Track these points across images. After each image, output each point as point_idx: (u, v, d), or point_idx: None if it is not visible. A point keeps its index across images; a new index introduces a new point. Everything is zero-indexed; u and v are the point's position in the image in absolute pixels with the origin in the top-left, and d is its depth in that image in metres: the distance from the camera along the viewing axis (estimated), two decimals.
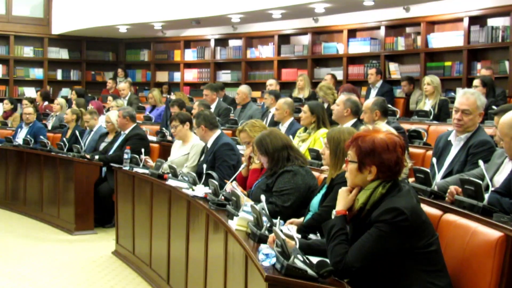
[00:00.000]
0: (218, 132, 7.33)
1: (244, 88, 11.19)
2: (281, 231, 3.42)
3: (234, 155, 7.02)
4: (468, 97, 5.28)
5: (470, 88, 5.47)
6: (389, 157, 3.37)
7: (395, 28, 12.90)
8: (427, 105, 9.51)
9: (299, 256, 3.17)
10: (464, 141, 5.27)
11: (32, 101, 14.20)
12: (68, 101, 14.10)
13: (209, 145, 7.29)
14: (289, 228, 4.00)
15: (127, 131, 9.11)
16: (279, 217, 3.83)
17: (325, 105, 9.14)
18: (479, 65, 11.23)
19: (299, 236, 4.10)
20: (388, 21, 12.73)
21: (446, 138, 5.50)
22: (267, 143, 5.25)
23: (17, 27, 16.60)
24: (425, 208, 3.91)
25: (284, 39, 14.92)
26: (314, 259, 3.20)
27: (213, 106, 10.81)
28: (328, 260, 3.27)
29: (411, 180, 4.97)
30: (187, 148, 7.71)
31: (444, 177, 5.14)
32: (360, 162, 3.43)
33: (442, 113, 9.07)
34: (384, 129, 3.73)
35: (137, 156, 7.43)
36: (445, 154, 5.40)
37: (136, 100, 13.74)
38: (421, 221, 3.29)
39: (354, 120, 7.22)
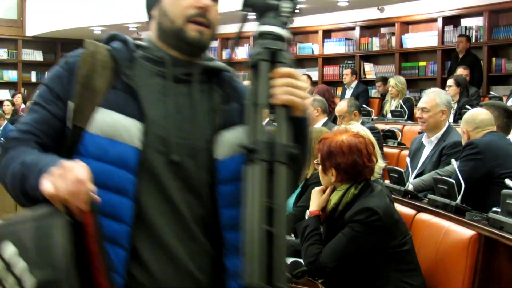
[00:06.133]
0: None
1: None
2: None
3: None
4: (428, 95, 5.43)
5: (435, 88, 5.59)
6: (343, 160, 3.37)
7: (369, 28, 12.95)
8: (392, 105, 9.60)
9: None
10: (435, 142, 5.32)
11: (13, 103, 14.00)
12: None
13: None
14: None
15: None
16: None
17: None
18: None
19: None
20: (363, 22, 12.78)
21: (419, 140, 5.56)
22: None
23: None
24: (399, 207, 3.93)
25: None
26: (288, 260, 3.19)
27: None
28: (302, 261, 3.27)
29: (386, 181, 5.00)
30: None
31: (415, 178, 5.17)
32: (322, 165, 3.46)
33: (408, 112, 9.15)
34: (355, 130, 3.75)
35: None
36: (418, 155, 5.45)
37: None
38: (394, 221, 3.31)
39: (325, 119, 7.29)
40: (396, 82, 9.66)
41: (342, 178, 3.40)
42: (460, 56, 10.60)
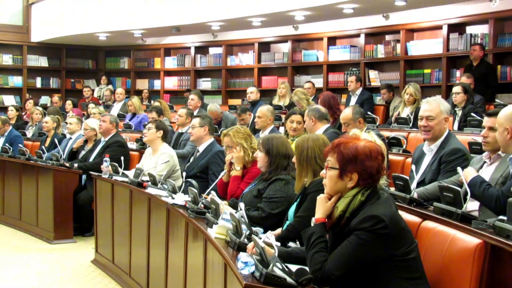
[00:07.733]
0: (212, 139, 7.41)
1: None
2: (260, 239, 3.40)
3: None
4: (430, 103, 5.44)
5: (435, 96, 5.61)
6: (371, 164, 3.37)
7: (374, 35, 12.96)
8: (405, 111, 9.54)
9: (278, 264, 3.15)
10: (435, 150, 5.33)
11: (17, 109, 14.00)
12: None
13: (201, 149, 7.42)
14: (268, 236, 3.98)
15: (107, 138, 9.06)
16: (265, 226, 3.83)
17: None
18: (458, 73, 11.32)
19: (278, 244, 4.09)
20: (368, 29, 12.79)
21: (421, 148, 5.57)
22: (273, 144, 5.20)
23: None
24: (404, 215, 3.91)
25: (264, 46, 14.95)
26: (294, 267, 3.18)
27: (195, 113, 10.82)
28: (307, 268, 3.25)
29: (391, 189, 4.97)
30: (159, 156, 7.69)
31: (417, 185, 5.15)
32: (341, 169, 3.41)
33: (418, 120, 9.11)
34: (367, 137, 3.74)
35: (116, 164, 7.38)
36: (420, 163, 5.45)
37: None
38: (400, 229, 3.29)
39: (325, 125, 7.33)
40: (415, 90, 9.62)
41: (364, 183, 3.38)
42: (475, 64, 10.58)
